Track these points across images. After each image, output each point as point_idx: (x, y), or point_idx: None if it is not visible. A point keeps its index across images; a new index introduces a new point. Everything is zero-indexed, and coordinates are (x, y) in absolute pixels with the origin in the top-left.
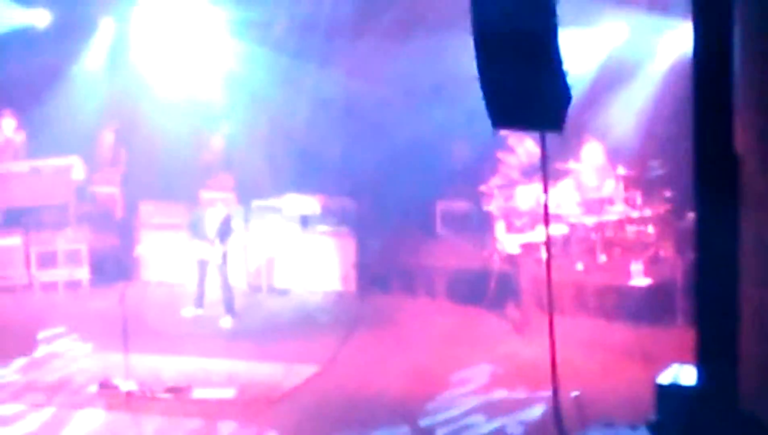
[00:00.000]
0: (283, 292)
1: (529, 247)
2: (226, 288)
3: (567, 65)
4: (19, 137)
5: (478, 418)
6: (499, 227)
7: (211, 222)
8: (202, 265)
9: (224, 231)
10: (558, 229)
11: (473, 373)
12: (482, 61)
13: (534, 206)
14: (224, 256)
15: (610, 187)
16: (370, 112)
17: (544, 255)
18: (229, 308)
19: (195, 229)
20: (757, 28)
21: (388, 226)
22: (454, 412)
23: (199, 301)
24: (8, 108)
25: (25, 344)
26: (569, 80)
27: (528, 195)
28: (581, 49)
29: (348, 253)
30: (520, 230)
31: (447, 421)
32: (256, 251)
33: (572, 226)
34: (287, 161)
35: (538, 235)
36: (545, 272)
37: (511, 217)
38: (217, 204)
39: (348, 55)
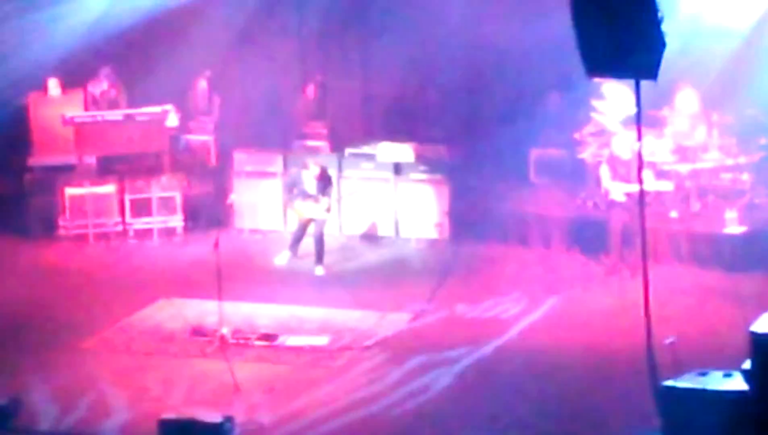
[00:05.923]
0: (376, 240)
1: (632, 196)
2: (320, 239)
3: (662, 12)
4: (115, 92)
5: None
6: (605, 174)
7: (310, 180)
8: (306, 220)
9: (325, 185)
10: (663, 186)
11: (569, 318)
12: (577, 10)
13: (633, 156)
14: (328, 209)
15: (705, 134)
16: (463, 60)
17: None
18: (320, 258)
19: (297, 188)
20: None
21: (481, 173)
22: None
23: (294, 249)
24: (108, 64)
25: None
26: (664, 28)
27: (626, 143)
28: None
29: (441, 200)
30: (625, 179)
31: None
32: (348, 199)
33: (666, 174)
34: (381, 109)
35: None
36: (639, 219)
37: (615, 164)
38: (309, 163)
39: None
